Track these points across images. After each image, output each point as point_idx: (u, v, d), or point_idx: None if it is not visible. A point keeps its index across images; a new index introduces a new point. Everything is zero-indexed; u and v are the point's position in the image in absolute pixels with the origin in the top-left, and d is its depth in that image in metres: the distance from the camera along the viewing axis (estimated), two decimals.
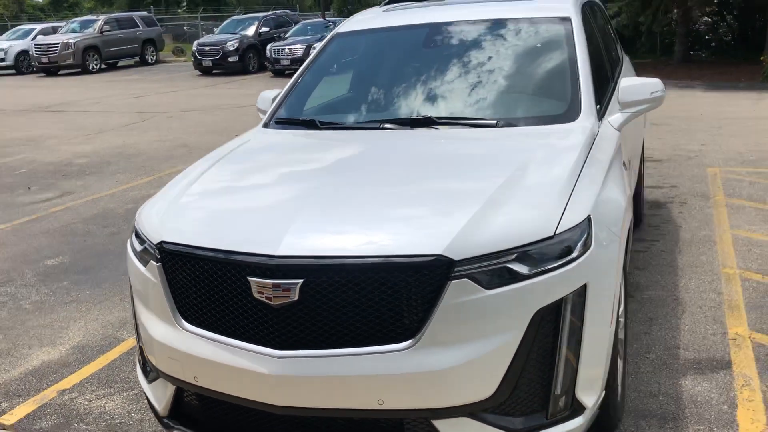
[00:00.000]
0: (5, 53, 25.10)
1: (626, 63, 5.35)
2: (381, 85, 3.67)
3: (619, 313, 2.90)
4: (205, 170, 2.97)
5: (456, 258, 2.19)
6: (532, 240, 2.27)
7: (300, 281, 2.22)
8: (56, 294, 4.83)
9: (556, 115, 3.19)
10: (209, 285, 2.39)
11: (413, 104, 3.43)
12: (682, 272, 4.57)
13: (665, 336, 3.72)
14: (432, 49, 3.75)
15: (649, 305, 4.10)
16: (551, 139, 2.97)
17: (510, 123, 3.15)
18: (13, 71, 25.42)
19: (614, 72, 4.35)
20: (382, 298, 2.20)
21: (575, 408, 2.39)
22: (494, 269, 2.22)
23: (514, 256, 2.24)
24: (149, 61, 26.37)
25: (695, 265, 4.66)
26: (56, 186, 8.21)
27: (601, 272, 2.40)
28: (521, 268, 2.24)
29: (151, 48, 26.47)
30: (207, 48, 21.35)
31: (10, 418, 3.31)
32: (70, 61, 23.26)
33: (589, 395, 2.42)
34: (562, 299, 2.27)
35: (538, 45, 3.59)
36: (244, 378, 2.31)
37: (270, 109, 3.71)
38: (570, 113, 3.17)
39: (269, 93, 3.93)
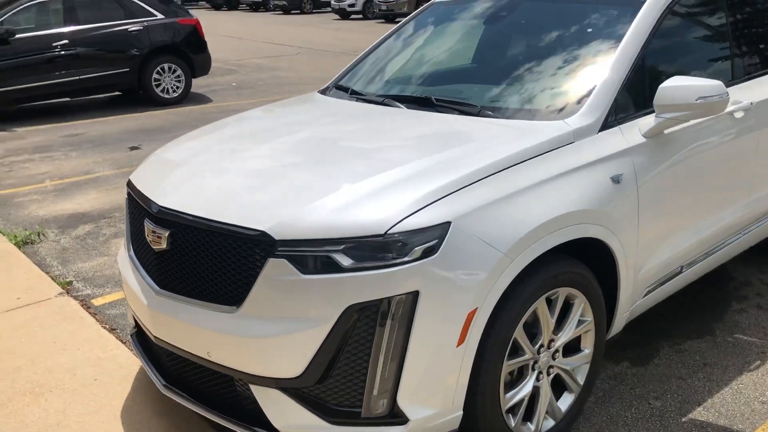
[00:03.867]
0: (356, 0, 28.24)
1: None
2: (421, 60, 3.61)
3: (550, 341, 2.62)
4: (217, 127, 3.33)
5: (277, 238, 2.26)
6: (358, 234, 2.22)
7: (167, 231, 2.50)
8: None
9: (547, 111, 2.86)
10: (137, 222, 2.79)
11: (432, 83, 3.36)
12: None
13: (698, 387, 3.15)
14: (493, 26, 3.55)
15: (722, 349, 3.45)
16: (504, 134, 2.70)
17: (491, 114, 2.91)
18: (360, 16, 28.46)
19: (747, 67, 3.59)
20: (221, 262, 2.38)
21: (397, 415, 2.30)
22: (316, 256, 2.24)
23: (341, 247, 2.22)
24: None
25: None
26: None
27: (446, 285, 2.23)
28: (344, 260, 2.21)
29: None
30: None
31: (99, 301, 4.17)
32: (405, 9, 25.16)
33: (417, 409, 2.30)
34: (381, 300, 2.20)
35: (589, 31, 3.17)
36: (141, 306, 2.69)
37: (337, 75, 3.91)
38: (566, 111, 2.82)
39: None
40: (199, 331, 2.43)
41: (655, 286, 3.12)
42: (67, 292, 4.23)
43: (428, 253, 2.22)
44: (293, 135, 2.97)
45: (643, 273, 2.98)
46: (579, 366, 2.82)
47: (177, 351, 2.58)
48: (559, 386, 2.80)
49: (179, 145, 3.14)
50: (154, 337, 2.64)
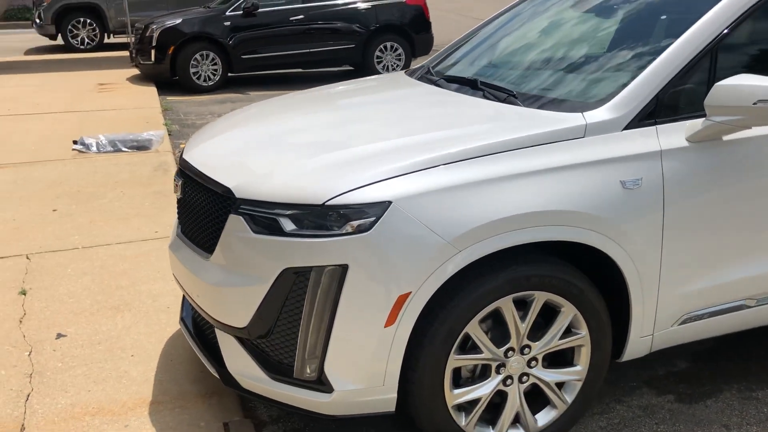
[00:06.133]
0: None
1: None
2: (492, 44, 3.47)
3: (524, 346, 2.47)
4: (276, 99, 3.56)
5: (238, 196, 2.42)
6: (300, 202, 2.30)
7: (181, 180, 2.80)
8: None
9: (572, 102, 2.61)
10: None
11: (486, 66, 3.25)
12: None
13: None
14: (570, 12, 3.29)
15: None
16: (508, 121, 2.55)
17: (516, 101, 2.72)
18: None
19: None
20: (205, 212, 2.60)
21: (323, 383, 2.35)
22: (265, 217, 2.35)
23: (288, 212, 2.32)
24: None
25: None
26: None
27: (376, 263, 2.21)
28: (288, 225, 2.31)
29: None
30: None
31: None
32: None
33: (343, 381, 2.32)
34: (312, 268, 2.26)
35: (663, 17, 2.80)
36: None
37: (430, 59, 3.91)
38: (591, 104, 2.56)
39: None
40: (189, 275, 2.69)
41: (699, 315, 2.71)
42: None
43: (362, 229, 2.23)
44: (326, 110, 3.13)
45: (677, 297, 2.61)
46: (568, 382, 2.59)
47: (182, 289, 2.87)
48: (544, 399, 2.61)
49: (233, 112, 3.43)
50: (173, 275, 2.97)
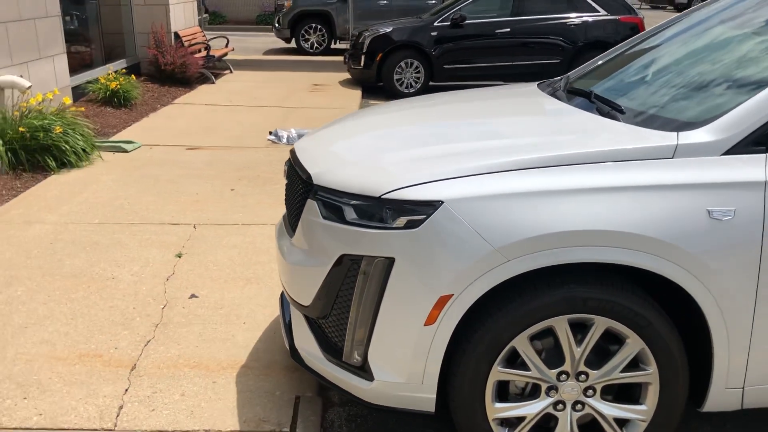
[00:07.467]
0: None
1: None
2: (628, 60, 3.22)
3: (580, 372, 2.34)
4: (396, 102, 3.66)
5: (315, 182, 2.56)
6: (361, 193, 2.38)
7: (287, 166, 3.01)
8: None
9: (671, 120, 2.39)
10: None
11: (613, 80, 3.05)
12: None
13: None
14: (718, 28, 2.97)
15: None
16: (596, 135, 2.41)
17: (617, 115, 2.55)
18: None
19: None
20: (296, 196, 2.78)
21: (366, 370, 2.41)
22: (332, 204, 2.47)
23: (351, 202, 2.42)
24: None
25: None
26: None
27: (421, 260, 2.23)
28: (349, 214, 2.41)
29: None
30: None
31: None
32: None
33: (384, 372, 2.37)
34: (363, 257, 2.33)
35: None
36: None
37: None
38: (691, 123, 2.33)
39: None
40: (279, 252, 2.89)
41: None
42: None
43: (412, 225, 2.26)
44: (432, 114, 3.18)
45: None
46: (632, 420, 2.40)
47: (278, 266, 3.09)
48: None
49: (365, 109, 3.59)
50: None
